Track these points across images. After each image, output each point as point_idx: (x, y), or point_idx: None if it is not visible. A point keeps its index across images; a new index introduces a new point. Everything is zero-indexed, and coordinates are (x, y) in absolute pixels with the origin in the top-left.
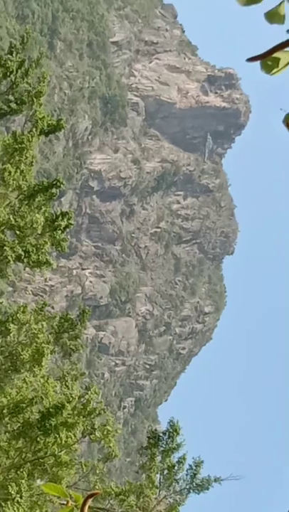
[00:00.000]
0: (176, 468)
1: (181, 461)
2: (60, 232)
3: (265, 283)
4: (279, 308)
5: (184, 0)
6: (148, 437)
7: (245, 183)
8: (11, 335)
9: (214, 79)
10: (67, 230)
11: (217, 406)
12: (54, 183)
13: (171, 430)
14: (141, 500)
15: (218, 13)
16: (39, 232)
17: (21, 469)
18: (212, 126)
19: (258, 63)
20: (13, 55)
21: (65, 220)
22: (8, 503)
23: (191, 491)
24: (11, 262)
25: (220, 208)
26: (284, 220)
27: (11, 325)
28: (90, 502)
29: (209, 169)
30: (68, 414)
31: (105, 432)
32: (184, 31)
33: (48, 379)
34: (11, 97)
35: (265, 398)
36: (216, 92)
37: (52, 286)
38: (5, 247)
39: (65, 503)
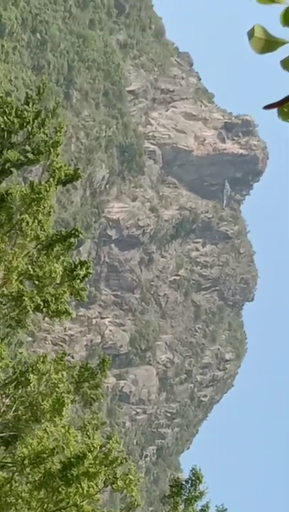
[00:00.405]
0: None
1: (204, 509)
2: (79, 281)
3: (285, 328)
4: None
5: (200, 48)
6: (170, 486)
7: (263, 230)
8: (31, 385)
9: (231, 126)
10: (86, 279)
11: (239, 453)
12: (72, 232)
13: (193, 478)
14: None
15: (234, 61)
16: (58, 281)
17: None
18: (230, 173)
19: (274, 110)
20: (30, 105)
21: (84, 269)
22: None
23: None
24: (30, 312)
25: (239, 254)
26: None
27: (31, 375)
28: None
29: (228, 216)
30: (90, 463)
31: (127, 481)
32: (200, 79)
33: (69, 429)
34: (27, 148)
35: (286, 444)
36: (233, 139)
37: (71, 335)
38: (24, 297)
39: None
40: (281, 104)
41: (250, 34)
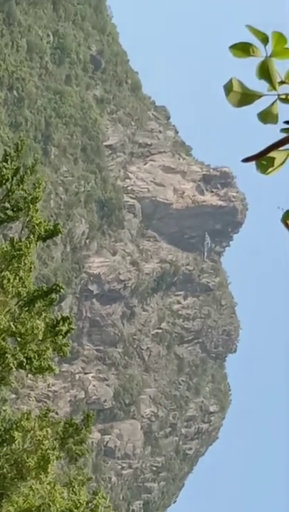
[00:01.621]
0: None
1: None
2: (61, 337)
3: (268, 379)
4: (284, 404)
5: (177, 102)
6: None
7: (244, 281)
8: (16, 442)
9: (210, 178)
10: (69, 334)
11: (225, 506)
12: (53, 288)
13: None
14: None
15: (211, 114)
16: (40, 338)
17: None
18: (209, 225)
19: (253, 163)
20: (8, 162)
21: (66, 324)
22: None
23: None
24: (13, 369)
25: (221, 306)
26: (285, 315)
27: (16, 432)
28: None
29: (208, 268)
30: None
31: None
32: (177, 132)
33: (54, 485)
34: (7, 205)
35: (274, 496)
36: (212, 191)
37: (55, 391)
38: (6, 355)
39: None
40: (259, 157)
41: (228, 88)
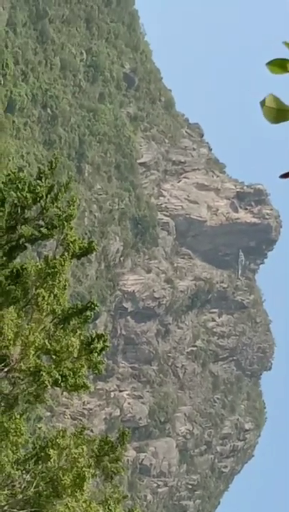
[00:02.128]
0: None
1: None
2: (96, 354)
3: None
4: None
5: (210, 119)
6: None
7: (279, 298)
8: (52, 460)
9: (243, 195)
10: (104, 352)
11: None
12: (88, 305)
13: None
14: None
15: (245, 131)
16: (75, 355)
17: None
18: (244, 243)
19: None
20: (42, 180)
21: (101, 342)
22: None
23: None
24: (49, 386)
25: (255, 323)
26: None
27: (51, 450)
28: None
29: (243, 285)
30: None
31: None
32: (211, 149)
33: (90, 503)
34: (41, 222)
35: None
36: (246, 209)
37: (90, 409)
38: (41, 372)
39: None
40: None
41: (263, 103)
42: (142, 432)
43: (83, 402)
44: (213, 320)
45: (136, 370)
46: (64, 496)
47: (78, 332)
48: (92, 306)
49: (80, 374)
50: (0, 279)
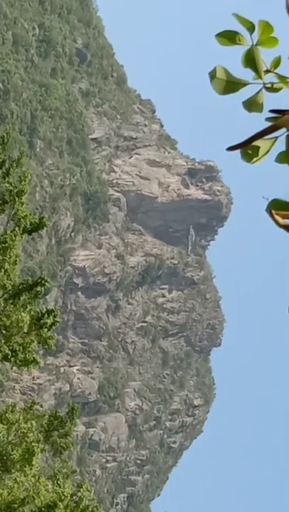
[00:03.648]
0: None
1: None
2: (46, 330)
3: (252, 373)
4: (268, 399)
5: (162, 94)
6: None
7: (229, 274)
8: (1, 435)
9: (195, 172)
10: (54, 327)
11: (209, 499)
12: (39, 281)
13: None
14: None
15: (196, 107)
16: (25, 330)
17: None
18: (194, 219)
19: (238, 153)
20: None
21: (51, 317)
22: None
23: None
24: None
25: (205, 300)
26: (269, 309)
27: (0, 425)
28: None
29: (193, 262)
30: None
31: None
32: (162, 126)
33: (39, 478)
34: None
35: (256, 489)
36: (197, 185)
37: (40, 384)
38: None
39: None
40: (244, 145)
41: (212, 75)
42: (92, 407)
43: (33, 377)
44: (164, 296)
45: (86, 345)
46: (13, 471)
47: (28, 307)
48: (43, 281)
49: (29, 349)
50: None
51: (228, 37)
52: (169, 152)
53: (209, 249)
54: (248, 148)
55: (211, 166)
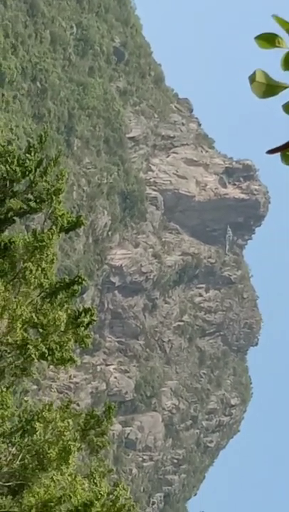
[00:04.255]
0: None
1: None
2: (83, 328)
3: None
4: None
5: (200, 94)
6: None
7: (266, 274)
8: (37, 433)
9: (232, 171)
10: (91, 326)
11: (246, 498)
12: (76, 279)
13: None
14: None
15: (235, 106)
16: (62, 329)
17: None
18: (232, 218)
19: (276, 155)
20: (32, 154)
21: (88, 316)
22: None
23: None
24: (35, 360)
25: (242, 299)
26: None
27: (37, 423)
28: None
29: (230, 261)
30: (97, 511)
31: None
32: (200, 125)
33: (75, 477)
34: (30, 196)
35: None
36: (235, 184)
37: (76, 383)
38: (28, 346)
39: None
40: (284, 148)
41: (252, 79)
42: (128, 406)
43: (70, 376)
44: (201, 295)
45: (123, 344)
46: (49, 469)
47: (65, 306)
48: (80, 280)
49: (66, 348)
50: None
51: (268, 39)
52: (206, 151)
53: (246, 249)
54: (288, 151)
55: (248, 165)
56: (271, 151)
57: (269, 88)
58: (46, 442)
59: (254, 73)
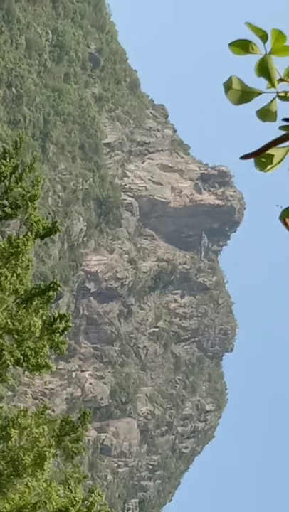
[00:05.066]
0: None
1: None
2: (58, 334)
3: (265, 378)
4: (280, 405)
5: (175, 100)
6: None
7: (242, 280)
8: (12, 440)
9: (207, 177)
10: (66, 332)
11: (221, 504)
12: (51, 285)
13: None
14: None
15: (210, 113)
16: (37, 335)
17: None
18: (207, 224)
19: (251, 160)
20: (7, 160)
21: (63, 322)
22: None
23: None
24: (10, 366)
25: (218, 305)
26: (281, 314)
27: (12, 429)
28: None
29: (206, 267)
30: None
31: None
32: (175, 131)
33: (50, 483)
34: (5, 202)
35: (269, 495)
36: (210, 190)
37: (52, 389)
38: (3, 352)
39: None
40: (258, 154)
41: (227, 86)
42: (103, 412)
43: (45, 382)
44: (176, 301)
45: (98, 350)
46: (24, 476)
47: (41, 312)
48: (55, 286)
49: (42, 354)
50: None
51: (242, 46)
52: (181, 157)
53: (222, 255)
54: (261, 157)
55: (223, 171)
56: (245, 157)
57: (244, 95)
58: (21, 448)
59: (229, 80)
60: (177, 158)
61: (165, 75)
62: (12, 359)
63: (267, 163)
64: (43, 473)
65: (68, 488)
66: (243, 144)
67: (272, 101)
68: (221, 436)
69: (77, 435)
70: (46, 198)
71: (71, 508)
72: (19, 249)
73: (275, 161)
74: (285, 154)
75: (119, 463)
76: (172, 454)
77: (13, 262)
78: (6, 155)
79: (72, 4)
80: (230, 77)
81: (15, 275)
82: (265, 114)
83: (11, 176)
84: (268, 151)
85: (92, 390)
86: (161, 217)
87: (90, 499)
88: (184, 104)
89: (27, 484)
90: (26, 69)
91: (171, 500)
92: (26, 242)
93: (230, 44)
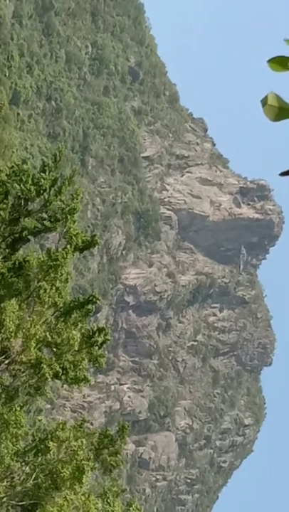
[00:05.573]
0: None
1: None
2: (97, 348)
3: None
4: None
5: (214, 113)
6: None
7: (280, 294)
8: (51, 452)
9: (246, 191)
10: (105, 345)
11: None
12: (90, 299)
13: None
14: None
15: (249, 125)
16: (76, 348)
17: None
18: (246, 238)
19: None
20: (46, 173)
21: (102, 335)
22: None
23: None
24: (49, 379)
25: (256, 319)
26: None
27: (51, 443)
28: None
29: (244, 281)
30: None
31: None
32: (214, 144)
33: (89, 496)
34: (44, 215)
35: None
36: (249, 204)
37: (90, 402)
38: (42, 365)
39: None
40: None
41: (264, 102)
42: (142, 425)
43: (83, 395)
44: (214, 315)
45: (136, 363)
46: (63, 489)
47: (79, 325)
48: (94, 299)
49: (80, 367)
50: (2, 271)
51: (281, 63)
52: (220, 171)
53: (261, 268)
54: None
55: (262, 185)
56: (284, 174)
57: (281, 112)
58: (60, 461)
59: (266, 96)
60: (216, 171)
61: (204, 89)
62: (51, 372)
63: None
64: (81, 487)
65: (106, 501)
66: (283, 158)
67: None
68: (259, 450)
69: (115, 448)
70: (85, 211)
71: None
72: (58, 263)
73: None
74: None
75: (158, 476)
76: (210, 468)
77: (52, 275)
78: (46, 168)
79: (112, 18)
80: (267, 94)
81: (54, 288)
82: None
83: (50, 189)
84: None
85: (131, 404)
86: (200, 231)
87: None
88: (223, 117)
89: (65, 497)
90: (66, 82)
91: None
92: (65, 256)
93: (269, 60)
